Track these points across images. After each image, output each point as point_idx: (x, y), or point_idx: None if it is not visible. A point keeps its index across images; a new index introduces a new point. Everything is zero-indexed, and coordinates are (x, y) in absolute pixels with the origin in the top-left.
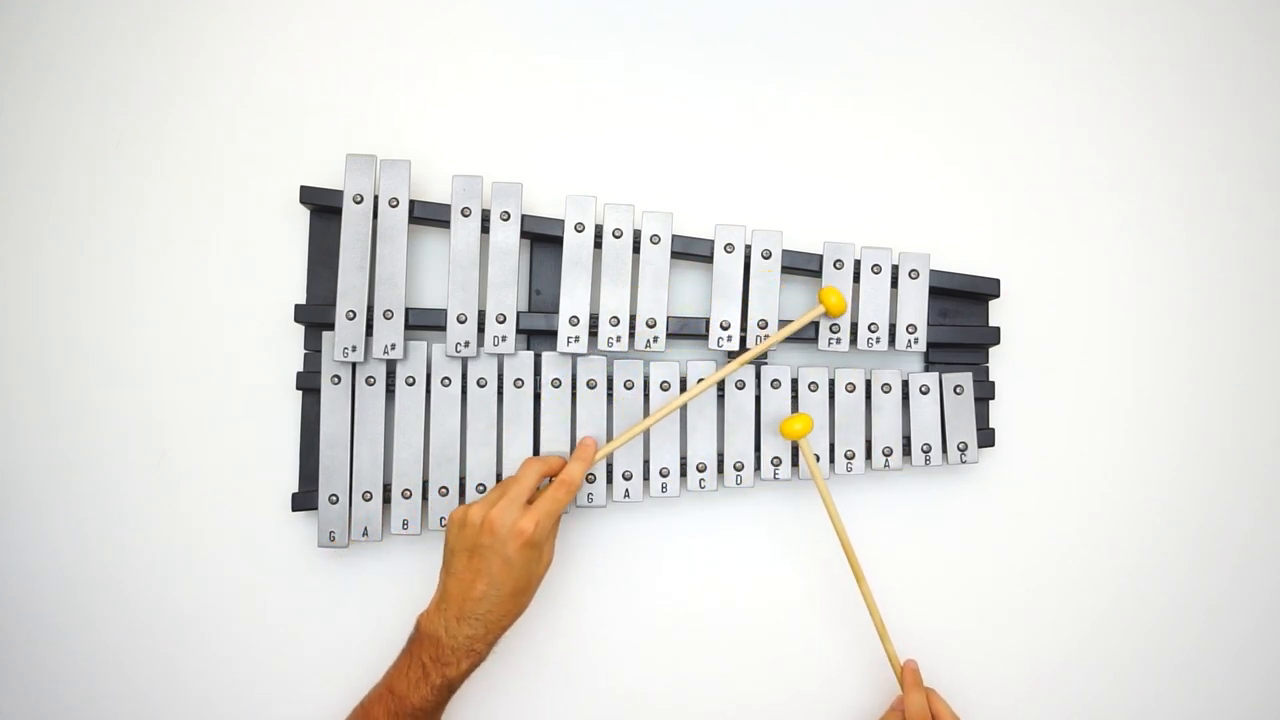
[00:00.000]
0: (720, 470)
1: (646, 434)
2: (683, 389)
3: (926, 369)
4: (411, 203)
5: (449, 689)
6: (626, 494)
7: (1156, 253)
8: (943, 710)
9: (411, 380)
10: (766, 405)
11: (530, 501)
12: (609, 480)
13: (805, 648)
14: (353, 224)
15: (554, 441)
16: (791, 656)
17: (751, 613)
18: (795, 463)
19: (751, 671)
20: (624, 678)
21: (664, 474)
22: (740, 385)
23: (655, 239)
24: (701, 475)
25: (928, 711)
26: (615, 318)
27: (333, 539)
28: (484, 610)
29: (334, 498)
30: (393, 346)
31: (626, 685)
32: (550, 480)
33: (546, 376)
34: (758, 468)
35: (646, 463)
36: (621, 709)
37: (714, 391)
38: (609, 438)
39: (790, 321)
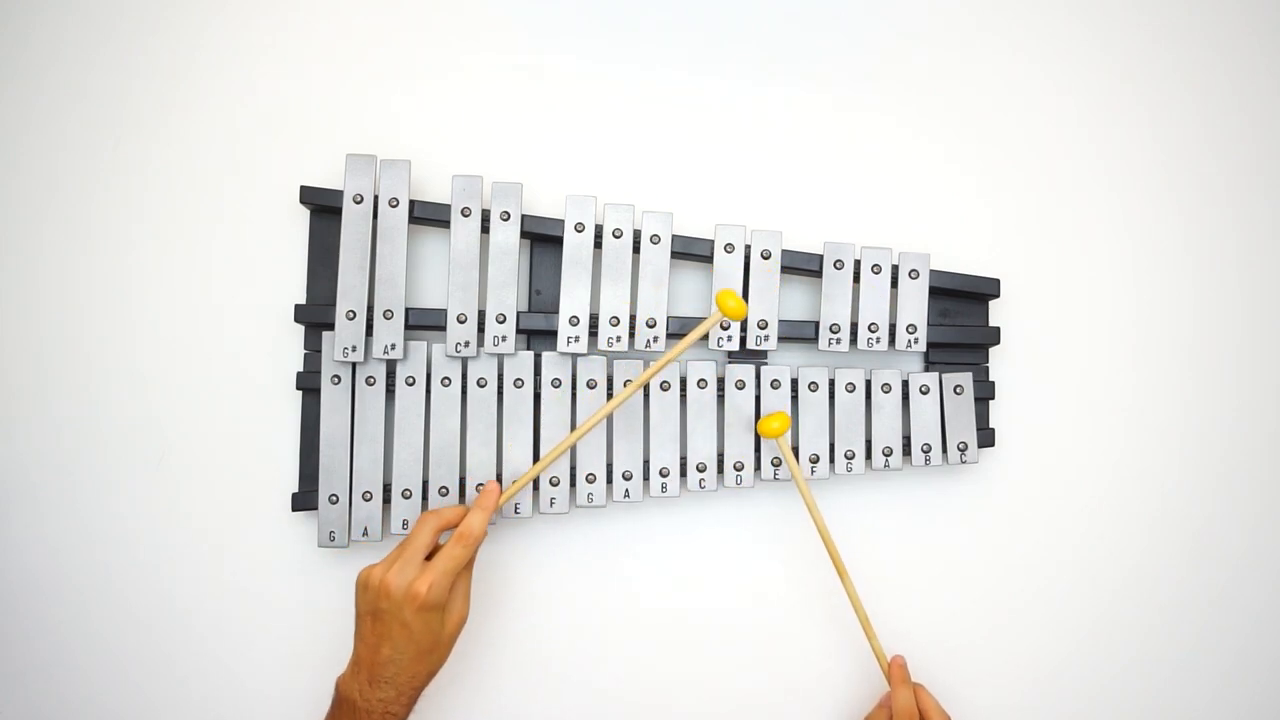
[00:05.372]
0: (720, 470)
1: (646, 435)
2: (683, 389)
3: (926, 369)
4: (411, 203)
5: None
6: (626, 494)
7: (1156, 252)
8: (930, 705)
9: (411, 380)
10: (766, 405)
11: (430, 557)
12: (609, 480)
13: (799, 647)
14: (353, 224)
15: (554, 441)
16: (785, 655)
17: (745, 613)
18: None
19: (745, 670)
20: (618, 677)
21: (664, 474)
22: (740, 385)
23: (655, 239)
24: (701, 475)
25: (915, 707)
26: (615, 318)
27: (333, 539)
28: (392, 674)
29: (334, 498)
30: (393, 346)
31: (623, 685)
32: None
33: (546, 376)
34: (758, 468)
35: (646, 463)
36: (620, 708)
37: (714, 391)
38: (610, 439)
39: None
